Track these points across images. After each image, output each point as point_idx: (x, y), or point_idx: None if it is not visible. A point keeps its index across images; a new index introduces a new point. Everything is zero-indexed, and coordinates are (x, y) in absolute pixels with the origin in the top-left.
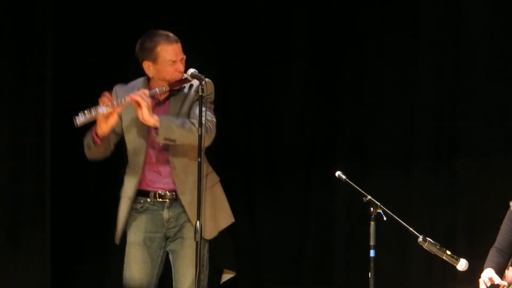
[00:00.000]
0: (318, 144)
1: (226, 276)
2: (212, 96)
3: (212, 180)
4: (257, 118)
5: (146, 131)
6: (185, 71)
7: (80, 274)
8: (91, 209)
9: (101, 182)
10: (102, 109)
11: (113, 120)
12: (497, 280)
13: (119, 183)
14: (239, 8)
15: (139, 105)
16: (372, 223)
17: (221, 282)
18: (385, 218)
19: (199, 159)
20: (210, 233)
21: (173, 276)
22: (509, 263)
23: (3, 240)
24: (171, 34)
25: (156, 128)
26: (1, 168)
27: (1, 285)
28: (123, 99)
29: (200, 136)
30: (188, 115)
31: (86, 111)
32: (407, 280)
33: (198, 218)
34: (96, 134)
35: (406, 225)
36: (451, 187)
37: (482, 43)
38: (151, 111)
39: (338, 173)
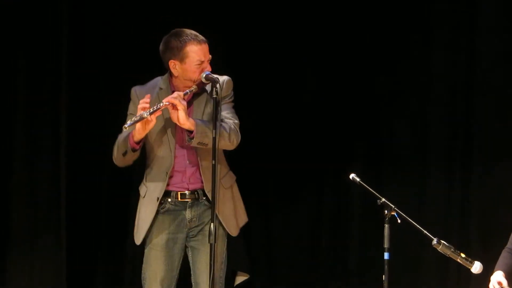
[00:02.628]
0: (333, 146)
1: (240, 279)
2: (232, 94)
3: (231, 178)
4: (272, 118)
5: (174, 133)
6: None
7: (95, 274)
8: (106, 209)
9: (116, 182)
10: (145, 114)
11: (151, 124)
12: (505, 284)
13: (134, 183)
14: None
15: (175, 107)
16: (386, 225)
17: (235, 285)
18: (399, 221)
19: (214, 162)
20: (234, 229)
21: (192, 271)
22: None
23: (20, 241)
24: (199, 34)
25: (190, 132)
26: (17, 169)
27: (18, 286)
28: (160, 103)
29: (214, 139)
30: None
31: (132, 121)
32: (422, 283)
33: (212, 220)
34: (134, 140)
35: (421, 228)
36: (466, 190)
37: (499, 40)
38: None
39: (352, 175)
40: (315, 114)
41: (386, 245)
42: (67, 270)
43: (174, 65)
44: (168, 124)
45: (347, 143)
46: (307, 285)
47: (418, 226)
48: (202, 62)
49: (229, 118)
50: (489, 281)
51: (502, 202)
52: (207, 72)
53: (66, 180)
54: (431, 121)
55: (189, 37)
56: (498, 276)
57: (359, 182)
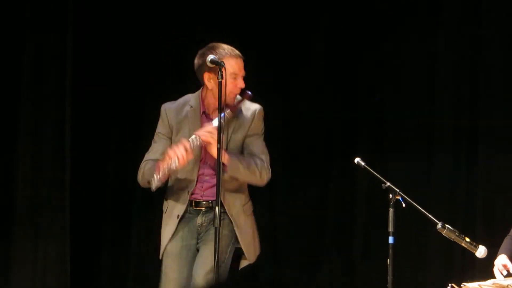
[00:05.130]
0: (338, 131)
1: (245, 262)
2: (263, 127)
3: (251, 207)
4: (278, 102)
5: (198, 155)
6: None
7: (99, 259)
8: (110, 195)
9: (121, 169)
10: (174, 164)
11: (185, 163)
12: (510, 266)
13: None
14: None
15: (209, 142)
16: (391, 209)
17: (239, 268)
18: (404, 205)
19: (218, 146)
20: (253, 256)
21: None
22: None
23: (24, 226)
24: (235, 49)
25: (224, 164)
26: (22, 156)
27: (22, 271)
28: (193, 143)
29: (219, 128)
30: (242, 144)
31: (160, 173)
32: (426, 267)
33: (217, 204)
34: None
35: (425, 212)
36: (471, 175)
37: (503, 29)
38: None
39: (357, 159)
40: (320, 99)
41: (390, 229)
42: (71, 254)
43: (209, 78)
44: (191, 132)
45: (352, 128)
46: (311, 268)
47: (422, 210)
48: (236, 76)
49: (260, 153)
50: (493, 265)
51: (508, 187)
52: (212, 56)
53: (70, 166)
54: (436, 106)
55: (226, 51)
56: (502, 259)
57: (364, 166)
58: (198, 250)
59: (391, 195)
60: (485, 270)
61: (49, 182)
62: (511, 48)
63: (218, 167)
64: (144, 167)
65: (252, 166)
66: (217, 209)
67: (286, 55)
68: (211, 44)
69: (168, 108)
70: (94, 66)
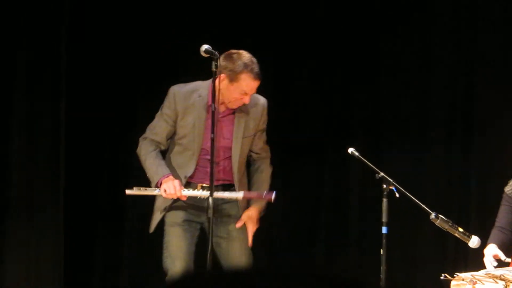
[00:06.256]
0: (332, 121)
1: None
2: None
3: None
4: (272, 92)
5: (203, 134)
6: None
7: (93, 248)
8: (105, 186)
9: (115, 165)
10: (156, 191)
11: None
12: (502, 256)
13: (134, 162)
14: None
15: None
16: (384, 200)
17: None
18: (397, 195)
19: (212, 135)
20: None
21: (224, 261)
22: None
23: (18, 216)
24: (257, 69)
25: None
26: (17, 147)
27: (16, 261)
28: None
29: (213, 113)
30: (252, 140)
31: (142, 188)
32: (419, 257)
33: (211, 195)
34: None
35: (419, 202)
36: (465, 166)
37: (499, 19)
38: None
39: (351, 149)
40: (315, 89)
41: (384, 219)
42: (65, 244)
43: (223, 79)
44: (197, 126)
45: (346, 118)
46: (305, 257)
47: (416, 200)
48: (246, 93)
49: (266, 146)
50: (483, 255)
51: (502, 177)
52: (207, 46)
53: (64, 157)
54: (431, 96)
55: (250, 68)
56: (492, 250)
57: (357, 156)
58: (200, 231)
59: (384, 185)
60: (478, 260)
61: (43, 177)
62: (506, 38)
63: (211, 157)
64: (143, 153)
65: (271, 165)
66: (210, 199)
67: (282, 45)
68: (242, 52)
69: (177, 92)
70: (88, 67)
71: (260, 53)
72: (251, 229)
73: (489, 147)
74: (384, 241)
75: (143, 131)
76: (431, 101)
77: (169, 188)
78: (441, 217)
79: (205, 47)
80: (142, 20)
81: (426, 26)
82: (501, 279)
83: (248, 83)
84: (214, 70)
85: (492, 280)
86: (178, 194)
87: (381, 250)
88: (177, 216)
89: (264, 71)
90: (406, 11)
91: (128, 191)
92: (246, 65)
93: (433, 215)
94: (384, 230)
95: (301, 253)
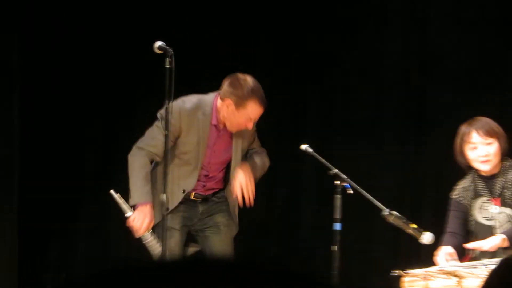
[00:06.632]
0: (286, 118)
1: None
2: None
3: None
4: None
5: (203, 155)
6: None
7: (48, 248)
8: (59, 185)
9: (69, 164)
10: (128, 214)
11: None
12: (456, 256)
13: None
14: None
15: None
16: (337, 196)
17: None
18: (351, 192)
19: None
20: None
21: (209, 248)
22: (472, 237)
23: None
24: (263, 94)
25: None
26: None
27: None
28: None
29: (167, 113)
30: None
31: (121, 199)
32: (373, 253)
33: (165, 191)
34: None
35: (372, 198)
36: (418, 162)
37: (450, 14)
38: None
39: (304, 146)
40: (269, 85)
41: (337, 215)
42: (19, 240)
43: (228, 104)
44: (201, 144)
45: (300, 114)
46: (258, 253)
47: (369, 196)
48: (251, 120)
49: (258, 144)
50: (435, 256)
51: (455, 173)
52: (161, 43)
53: (19, 152)
54: (384, 92)
55: (258, 95)
56: (448, 249)
57: (311, 153)
58: (198, 236)
59: (338, 182)
60: (431, 256)
61: None
62: (457, 39)
63: (165, 156)
64: (136, 166)
65: (265, 158)
66: (164, 196)
67: (243, 40)
68: (249, 77)
69: (183, 110)
70: (42, 71)
71: (223, 46)
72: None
73: (440, 144)
74: (337, 237)
75: (96, 128)
76: (384, 98)
77: (138, 221)
78: (394, 214)
79: (158, 43)
80: (93, 23)
81: (378, 25)
82: (453, 275)
83: (254, 110)
84: (168, 67)
85: (445, 276)
86: (139, 233)
87: (334, 247)
88: (175, 222)
89: (223, 68)
90: (358, 12)
91: (112, 192)
92: (253, 91)
93: (386, 212)
94: (337, 226)
95: (253, 249)
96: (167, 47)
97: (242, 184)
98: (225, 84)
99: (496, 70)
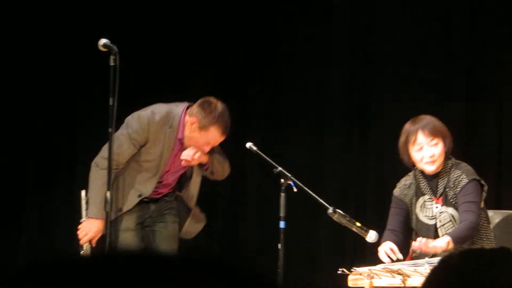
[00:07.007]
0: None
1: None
2: None
3: None
4: (166, 85)
5: (164, 165)
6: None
7: None
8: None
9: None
10: (82, 220)
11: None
12: (396, 250)
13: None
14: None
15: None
16: (282, 194)
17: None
18: (295, 190)
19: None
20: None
21: (157, 243)
22: (413, 235)
23: None
24: (228, 123)
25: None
26: None
27: None
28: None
29: (112, 109)
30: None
31: (85, 205)
32: (318, 251)
33: (108, 189)
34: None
35: (316, 197)
36: (362, 160)
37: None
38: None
39: (249, 144)
40: (212, 83)
41: (282, 213)
42: None
43: (193, 122)
44: (164, 156)
45: (244, 113)
46: (203, 250)
47: (314, 195)
48: (209, 144)
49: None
50: (377, 251)
51: (398, 171)
52: (105, 40)
53: None
54: (327, 90)
55: (222, 123)
56: (389, 244)
57: (255, 151)
58: (149, 231)
59: (282, 180)
60: (375, 255)
61: None
62: (400, 33)
63: (109, 155)
64: (99, 179)
65: (226, 161)
66: (108, 193)
67: (186, 38)
68: (213, 102)
69: (151, 122)
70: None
71: (168, 48)
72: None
73: (385, 142)
74: (281, 235)
75: (37, 128)
76: (329, 95)
77: (83, 231)
78: (339, 212)
79: (103, 41)
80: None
81: (325, 20)
82: (398, 274)
83: (214, 136)
84: (112, 64)
85: (390, 274)
86: (81, 241)
87: (279, 245)
88: (129, 222)
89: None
90: (304, 5)
91: (82, 193)
92: (218, 119)
93: (330, 210)
94: (281, 224)
95: (197, 246)
96: (112, 45)
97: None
98: (197, 103)
99: (439, 67)
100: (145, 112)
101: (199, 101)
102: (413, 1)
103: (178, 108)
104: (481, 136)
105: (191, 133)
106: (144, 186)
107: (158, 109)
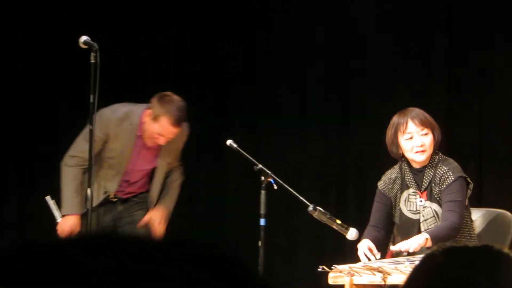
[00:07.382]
0: (209, 113)
1: None
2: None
3: None
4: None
5: (128, 160)
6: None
7: None
8: None
9: None
10: (58, 220)
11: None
12: (375, 250)
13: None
14: None
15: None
16: (262, 191)
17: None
18: (275, 187)
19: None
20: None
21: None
22: (391, 239)
23: None
24: (180, 117)
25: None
26: None
27: None
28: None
29: (92, 104)
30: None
31: (55, 206)
32: (298, 249)
33: (89, 186)
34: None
35: (297, 194)
36: (342, 157)
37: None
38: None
39: (229, 141)
40: (192, 81)
41: (262, 211)
42: None
43: (148, 114)
44: (125, 153)
45: (224, 110)
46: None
47: (294, 192)
48: (162, 136)
49: (179, 159)
50: (357, 249)
51: (378, 169)
52: (86, 37)
53: None
54: (308, 86)
55: (172, 114)
56: (367, 242)
57: (236, 148)
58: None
59: (263, 177)
60: (356, 252)
61: None
62: (379, 32)
63: (90, 151)
64: (70, 176)
65: (176, 194)
66: (89, 190)
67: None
68: (169, 96)
69: (110, 118)
70: None
71: (147, 49)
72: (155, 230)
73: (365, 139)
74: (262, 233)
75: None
76: (308, 93)
77: (64, 227)
78: (319, 209)
79: (84, 38)
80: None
81: (303, 19)
82: (378, 271)
83: (165, 127)
84: (93, 62)
85: (370, 272)
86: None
87: (259, 242)
88: (94, 223)
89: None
90: (282, 4)
91: (47, 198)
92: (169, 111)
93: (311, 207)
94: (262, 222)
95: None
96: (92, 42)
97: (155, 221)
98: (154, 97)
99: (419, 64)
100: (107, 109)
101: (157, 95)
102: None
103: (140, 106)
104: (462, 132)
105: (147, 125)
106: (110, 183)
107: (120, 107)
